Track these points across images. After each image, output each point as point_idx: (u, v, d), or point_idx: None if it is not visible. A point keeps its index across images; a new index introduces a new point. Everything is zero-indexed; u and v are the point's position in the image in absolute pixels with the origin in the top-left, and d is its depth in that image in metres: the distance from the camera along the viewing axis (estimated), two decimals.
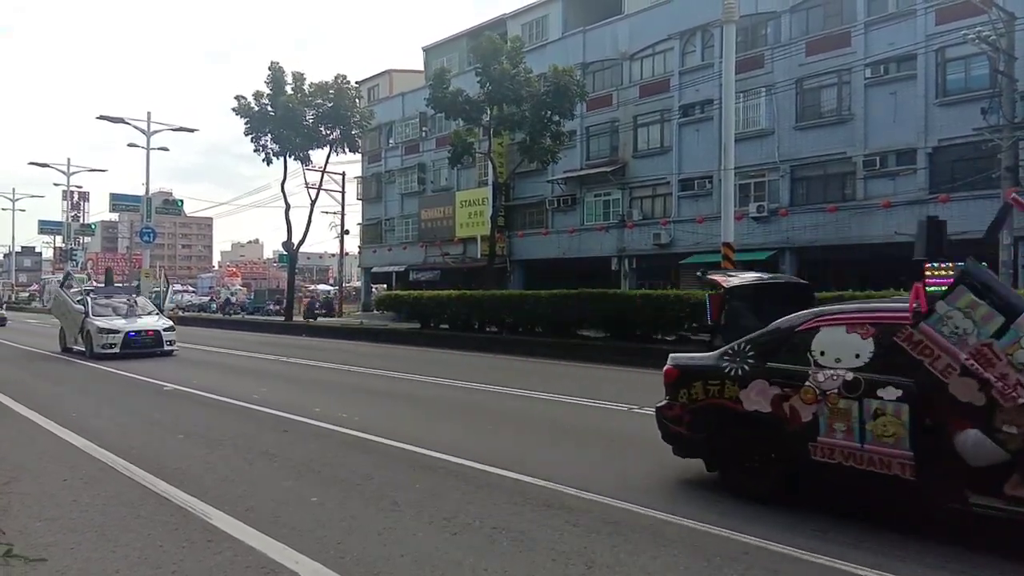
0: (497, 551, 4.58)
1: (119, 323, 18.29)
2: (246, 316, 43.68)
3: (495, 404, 10.87)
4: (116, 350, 17.46)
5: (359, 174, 46.45)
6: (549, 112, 25.51)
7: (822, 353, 5.25)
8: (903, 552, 4.49)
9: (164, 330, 18.62)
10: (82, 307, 18.77)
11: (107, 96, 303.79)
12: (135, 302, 20.22)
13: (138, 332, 18.11)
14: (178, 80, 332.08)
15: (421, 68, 43.48)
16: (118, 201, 48.25)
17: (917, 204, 22.58)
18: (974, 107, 20.22)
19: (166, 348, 18.35)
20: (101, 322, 18.07)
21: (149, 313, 19.91)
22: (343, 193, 43.00)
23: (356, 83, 35.16)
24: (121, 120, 33.92)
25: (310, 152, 33.46)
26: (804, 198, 25.81)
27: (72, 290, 21.41)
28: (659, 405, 6.26)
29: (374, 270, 45.53)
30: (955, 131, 21.67)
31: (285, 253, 38.86)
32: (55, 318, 20.99)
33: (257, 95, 32.21)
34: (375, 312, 34.71)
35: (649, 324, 17.59)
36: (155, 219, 39.58)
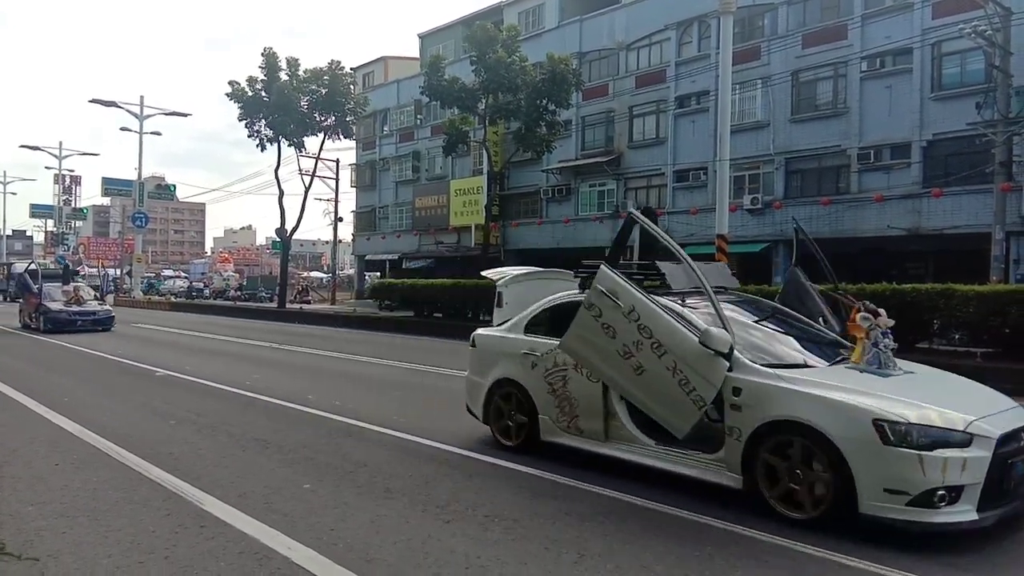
0: (490, 539, 4.59)
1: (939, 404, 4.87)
2: (238, 303, 43.52)
3: None
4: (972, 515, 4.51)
5: (353, 161, 46.26)
6: (544, 101, 25.44)
7: None
8: (896, 543, 4.49)
9: None
10: (733, 329, 5.23)
11: (101, 82, 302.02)
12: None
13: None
14: (171, 68, 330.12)
15: (417, 55, 43.23)
16: (110, 185, 48.11)
17: (910, 198, 22.66)
18: (969, 102, 20.28)
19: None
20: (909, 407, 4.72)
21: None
22: (337, 180, 42.87)
23: (351, 69, 35.00)
24: (113, 104, 33.80)
25: (304, 138, 33.35)
26: (798, 191, 25.85)
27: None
28: None
29: (368, 258, 45.43)
30: (950, 125, 21.72)
31: (279, 240, 38.76)
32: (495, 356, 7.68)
33: (251, 80, 32.01)
34: (368, 300, 34.67)
35: None
36: (147, 204, 39.51)
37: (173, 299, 46.47)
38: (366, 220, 45.78)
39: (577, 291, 6.60)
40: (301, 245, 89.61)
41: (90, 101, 34.35)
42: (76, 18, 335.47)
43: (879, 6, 23.73)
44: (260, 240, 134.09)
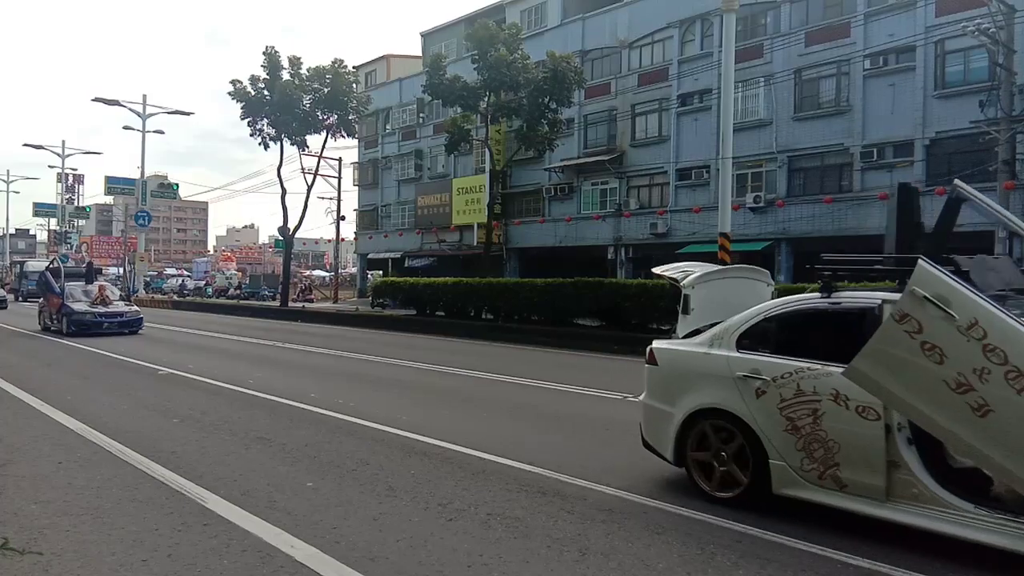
0: (492, 537, 4.60)
1: None
2: (240, 301, 43.54)
3: (490, 391, 10.88)
4: None
5: (356, 160, 46.28)
6: (547, 99, 25.42)
7: None
8: (901, 542, 4.46)
9: None
10: None
11: (102, 81, 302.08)
12: None
13: None
14: (172, 67, 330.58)
15: (419, 53, 43.23)
16: (113, 184, 48.09)
17: None
18: (972, 100, 20.23)
19: None
20: None
21: None
22: (339, 179, 42.88)
23: (353, 68, 35.00)
24: (116, 102, 33.82)
25: (307, 137, 33.40)
26: (801, 189, 25.81)
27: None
28: None
29: (370, 256, 45.45)
30: (953, 124, 21.67)
31: (281, 238, 38.76)
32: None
33: (253, 79, 32.05)
34: (370, 298, 34.68)
35: (644, 313, 17.62)
36: (150, 202, 39.53)
37: (176, 298, 46.56)
38: (368, 218, 45.79)
39: (819, 295, 5.11)
40: (304, 243, 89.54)
41: (93, 100, 34.41)
42: (77, 17, 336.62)
43: (882, 4, 23.66)
44: (263, 239, 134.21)
